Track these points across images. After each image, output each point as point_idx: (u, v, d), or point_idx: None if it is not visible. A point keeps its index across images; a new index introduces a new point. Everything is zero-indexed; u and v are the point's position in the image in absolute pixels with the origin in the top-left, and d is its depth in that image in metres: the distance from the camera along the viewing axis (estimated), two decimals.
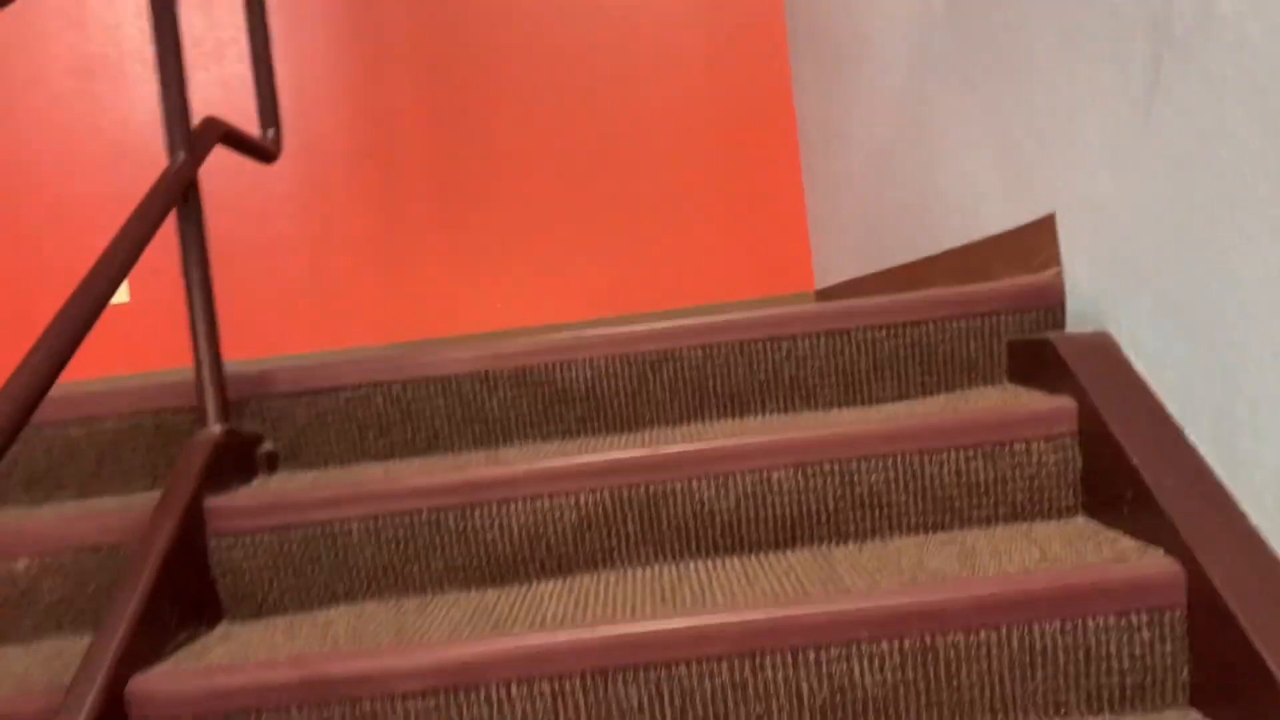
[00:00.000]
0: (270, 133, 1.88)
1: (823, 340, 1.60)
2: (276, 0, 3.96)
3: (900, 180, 2.46)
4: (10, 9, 3.77)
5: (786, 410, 1.60)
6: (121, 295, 3.98)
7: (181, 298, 1.56)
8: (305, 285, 3.99)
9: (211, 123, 1.61)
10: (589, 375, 1.62)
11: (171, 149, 1.50)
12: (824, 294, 3.76)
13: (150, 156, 3.99)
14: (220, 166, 3.99)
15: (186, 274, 1.52)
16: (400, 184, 3.96)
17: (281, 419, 1.64)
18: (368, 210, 3.97)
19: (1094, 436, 1.31)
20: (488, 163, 3.95)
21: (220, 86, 3.99)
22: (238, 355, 4.06)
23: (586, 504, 1.36)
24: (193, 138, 1.52)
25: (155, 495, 1.39)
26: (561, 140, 3.95)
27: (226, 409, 1.52)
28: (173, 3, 1.50)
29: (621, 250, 3.95)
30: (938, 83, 2.09)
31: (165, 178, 1.46)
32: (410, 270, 3.97)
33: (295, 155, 3.96)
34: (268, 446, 1.62)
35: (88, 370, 3.99)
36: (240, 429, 1.58)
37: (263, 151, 1.83)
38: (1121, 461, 1.23)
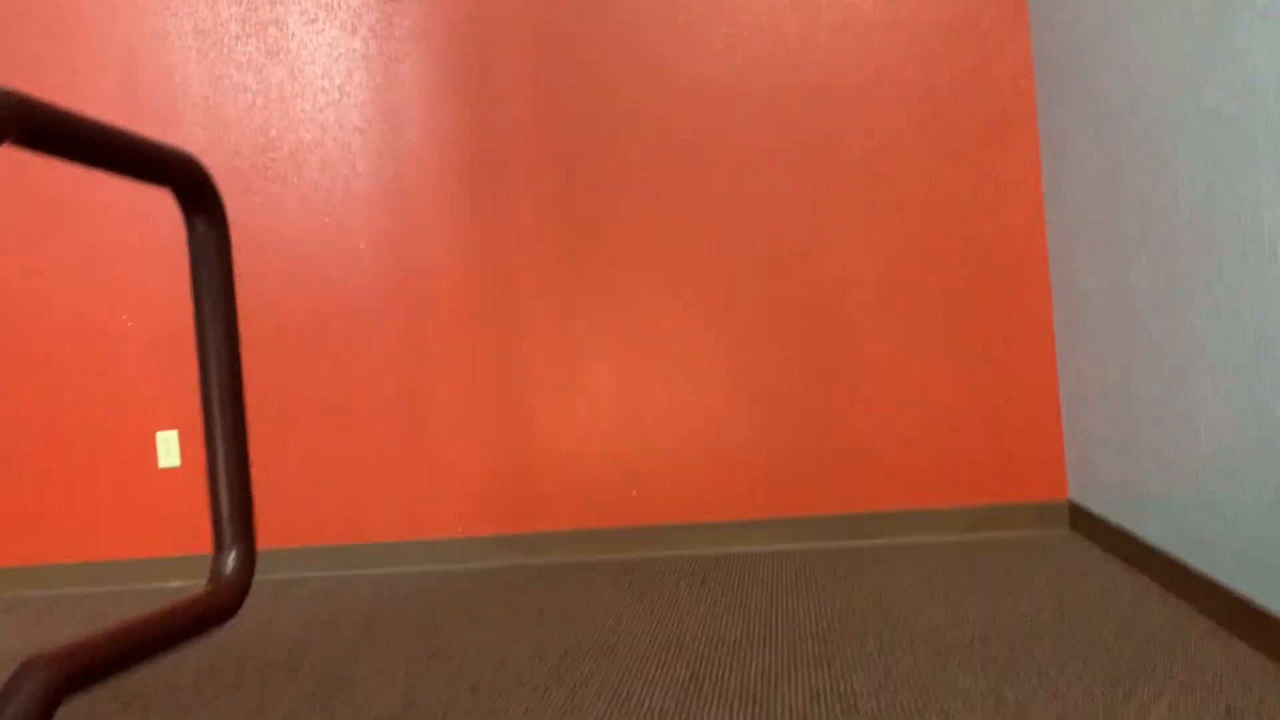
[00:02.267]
0: (229, 560, 0.97)
1: None
2: (385, 89, 3.11)
3: None
4: None
5: None
6: (171, 458, 3.20)
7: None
8: (394, 453, 3.13)
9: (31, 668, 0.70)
10: None
11: None
12: (1082, 515, 2.68)
13: None
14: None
15: None
16: (520, 329, 3.06)
17: None
18: (474, 358, 3.08)
19: None
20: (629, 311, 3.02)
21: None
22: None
23: None
24: None
25: None
26: (741, 283, 2.98)
27: None
28: None
29: (799, 424, 2.95)
30: None
31: None
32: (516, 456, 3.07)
33: (397, 293, 3.10)
34: None
35: (125, 546, 3.23)
36: None
37: (204, 615, 0.91)
38: None
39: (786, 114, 2.93)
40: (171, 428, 3.20)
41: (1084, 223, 2.50)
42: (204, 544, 3.20)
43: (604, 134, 2.99)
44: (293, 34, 3.14)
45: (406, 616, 2.50)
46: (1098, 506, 2.60)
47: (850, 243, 2.91)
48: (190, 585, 3.18)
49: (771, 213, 2.94)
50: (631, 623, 2.25)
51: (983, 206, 2.86)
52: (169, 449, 3.19)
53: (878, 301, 2.91)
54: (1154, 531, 2.19)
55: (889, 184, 2.90)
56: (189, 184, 0.96)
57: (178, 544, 3.21)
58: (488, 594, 2.67)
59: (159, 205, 3.20)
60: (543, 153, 3.02)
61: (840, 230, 2.91)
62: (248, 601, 2.83)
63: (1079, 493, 2.76)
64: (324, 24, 3.12)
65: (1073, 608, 2.07)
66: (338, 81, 3.11)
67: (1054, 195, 2.74)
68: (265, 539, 3.19)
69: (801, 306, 2.94)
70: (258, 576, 3.17)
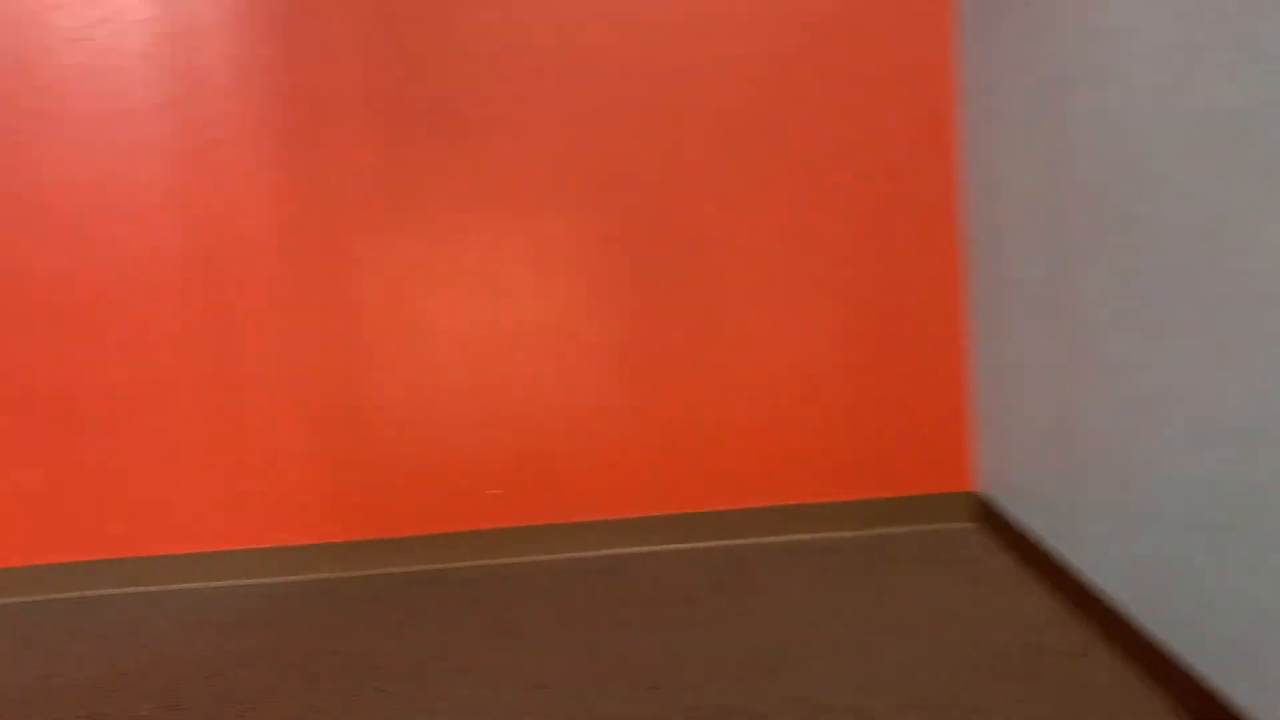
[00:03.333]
0: None
1: None
2: None
3: None
4: None
5: None
6: None
7: None
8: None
9: None
10: None
11: None
12: (990, 513, 2.45)
13: None
14: None
15: None
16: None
17: None
18: (296, 341, 2.58)
19: None
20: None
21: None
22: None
23: None
24: None
25: None
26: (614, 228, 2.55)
27: None
28: None
29: (675, 412, 2.60)
30: None
31: None
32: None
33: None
34: None
35: None
36: None
37: None
38: None
39: (660, 42, 2.48)
40: None
41: (1016, 204, 2.18)
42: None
43: (446, 72, 2.48)
44: None
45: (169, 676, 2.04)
46: (1012, 508, 2.36)
47: (733, 204, 2.52)
48: None
49: (648, 168, 2.51)
50: (480, 679, 1.87)
51: (886, 169, 2.51)
52: None
53: (764, 272, 2.55)
54: (1087, 561, 1.94)
55: (780, 135, 2.50)
56: None
57: None
58: (318, 619, 2.24)
59: None
60: (371, 92, 2.48)
61: (721, 189, 2.52)
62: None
63: (989, 488, 2.52)
64: None
65: (1005, 660, 1.81)
66: None
67: (978, 167, 2.41)
68: (53, 551, 2.65)
69: (676, 278, 2.55)
70: (57, 594, 2.64)
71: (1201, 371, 1.47)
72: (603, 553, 2.62)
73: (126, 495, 2.61)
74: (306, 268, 2.53)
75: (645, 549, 2.62)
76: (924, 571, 2.30)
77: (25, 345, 2.56)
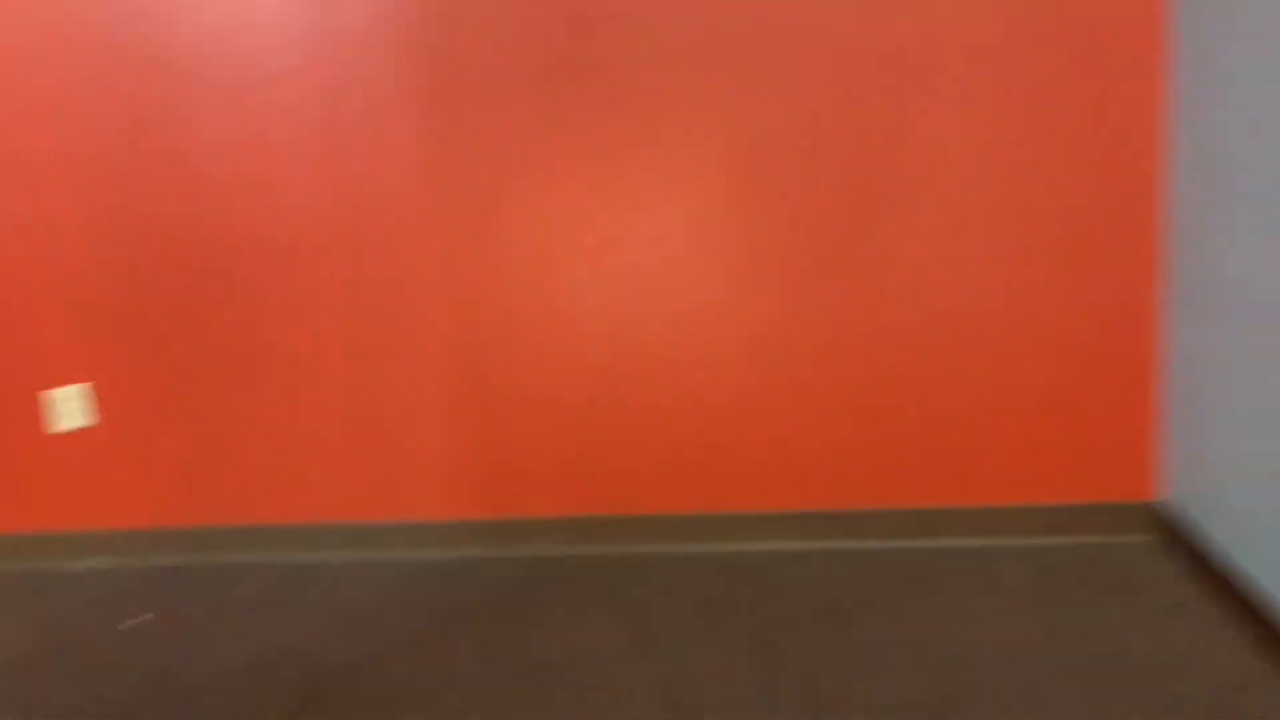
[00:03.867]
0: None
1: None
2: None
3: None
4: None
5: None
6: (83, 416, 2.65)
7: None
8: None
9: None
10: None
11: None
12: (1172, 529, 2.23)
13: None
14: None
15: None
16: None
17: None
18: (441, 313, 2.51)
19: None
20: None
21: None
22: None
23: None
24: None
25: None
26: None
27: None
28: None
29: (841, 401, 2.44)
30: None
31: None
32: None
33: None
34: None
35: (47, 520, 2.73)
36: None
37: None
38: None
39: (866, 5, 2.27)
40: (77, 381, 2.63)
41: (1236, 197, 1.92)
42: (125, 518, 2.69)
43: (608, 27, 2.32)
44: None
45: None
46: (1204, 527, 2.14)
47: (921, 175, 2.32)
48: (108, 564, 2.69)
49: (840, 133, 2.32)
50: (619, 693, 1.79)
51: (1086, 152, 2.26)
52: (71, 408, 2.63)
53: (945, 250, 2.34)
54: None
55: (981, 99, 2.28)
56: None
57: (91, 517, 2.71)
58: (457, 605, 2.19)
59: (29, 106, 2.51)
60: (522, 50, 2.35)
61: (911, 157, 2.32)
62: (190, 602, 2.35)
63: (1176, 501, 2.30)
64: None
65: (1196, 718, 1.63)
66: None
67: (1190, 154, 2.14)
68: (205, 515, 2.68)
69: (848, 260, 2.37)
70: (190, 557, 2.68)
71: None
72: (749, 548, 2.50)
73: (269, 462, 2.62)
74: (451, 236, 2.45)
75: (795, 545, 2.50)
76: (1101, 597, 2.12)
77: (171, 308, 2.56)
